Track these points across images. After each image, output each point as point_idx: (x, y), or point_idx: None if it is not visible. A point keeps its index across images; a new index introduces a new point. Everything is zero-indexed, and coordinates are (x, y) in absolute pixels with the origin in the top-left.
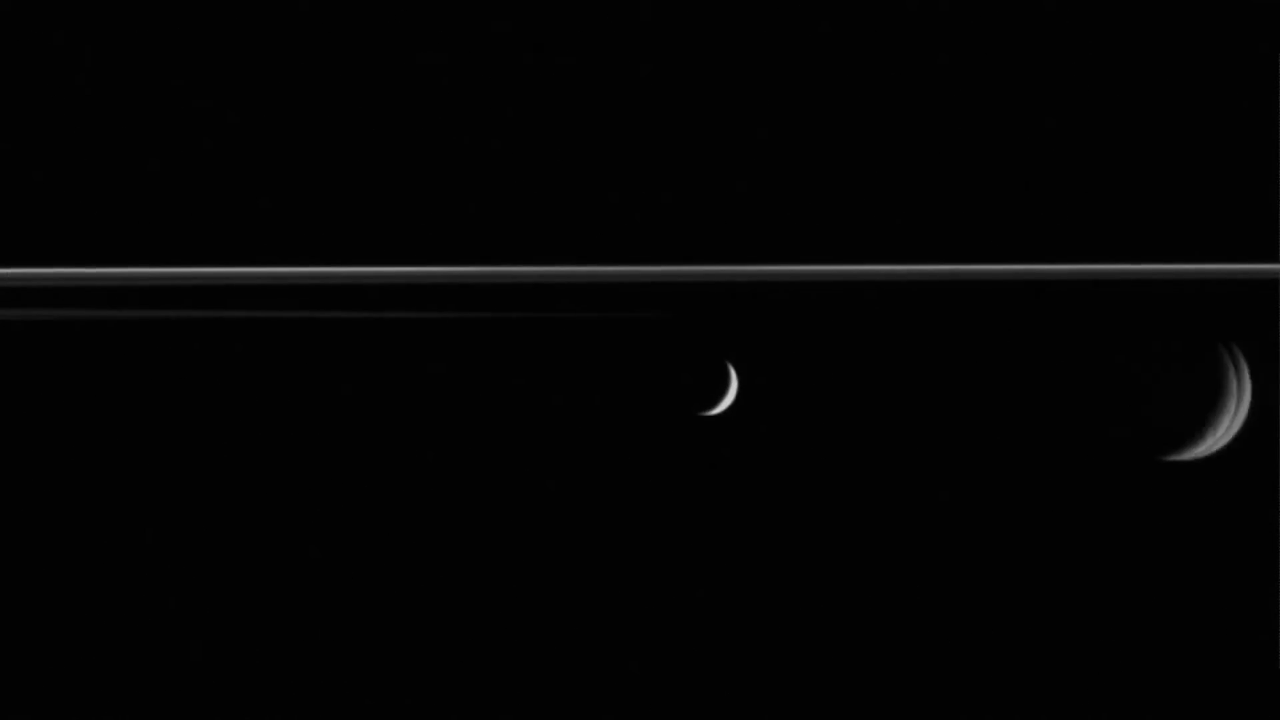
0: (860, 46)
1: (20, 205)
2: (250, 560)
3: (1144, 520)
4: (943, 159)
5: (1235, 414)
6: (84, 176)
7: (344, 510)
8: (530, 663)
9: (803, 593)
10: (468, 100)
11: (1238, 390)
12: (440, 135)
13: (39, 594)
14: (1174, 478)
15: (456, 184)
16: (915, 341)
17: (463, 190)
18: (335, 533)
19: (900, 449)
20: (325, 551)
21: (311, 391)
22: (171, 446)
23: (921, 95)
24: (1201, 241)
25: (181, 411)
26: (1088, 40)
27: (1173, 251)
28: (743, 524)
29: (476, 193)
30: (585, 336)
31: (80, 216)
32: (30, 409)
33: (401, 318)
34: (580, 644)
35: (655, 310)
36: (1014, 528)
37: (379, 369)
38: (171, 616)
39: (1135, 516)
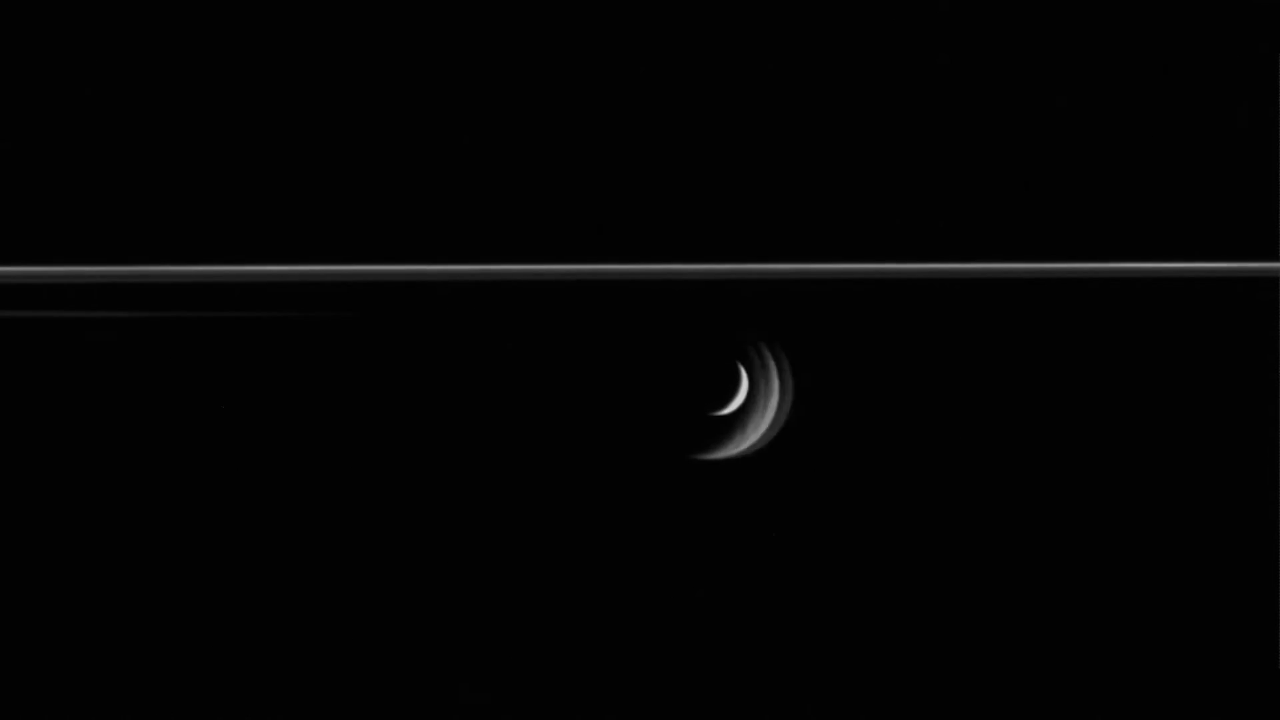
0: (857, 46)
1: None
2: (251, 559)
3: (1143, 520)
4: (942, 158)
5: (768, 413)
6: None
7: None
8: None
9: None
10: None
11: (771, 389)
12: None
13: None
14: (1176, 477)
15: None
16: (900, 340)
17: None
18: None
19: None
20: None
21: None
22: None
23: (920, 95)
24: (1201, 241)
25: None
26: (1087, 40)
27: (1172, 251)
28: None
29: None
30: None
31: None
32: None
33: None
34: (570, 649)
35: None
36: (1015, 527)
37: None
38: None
39: (1133, 515)
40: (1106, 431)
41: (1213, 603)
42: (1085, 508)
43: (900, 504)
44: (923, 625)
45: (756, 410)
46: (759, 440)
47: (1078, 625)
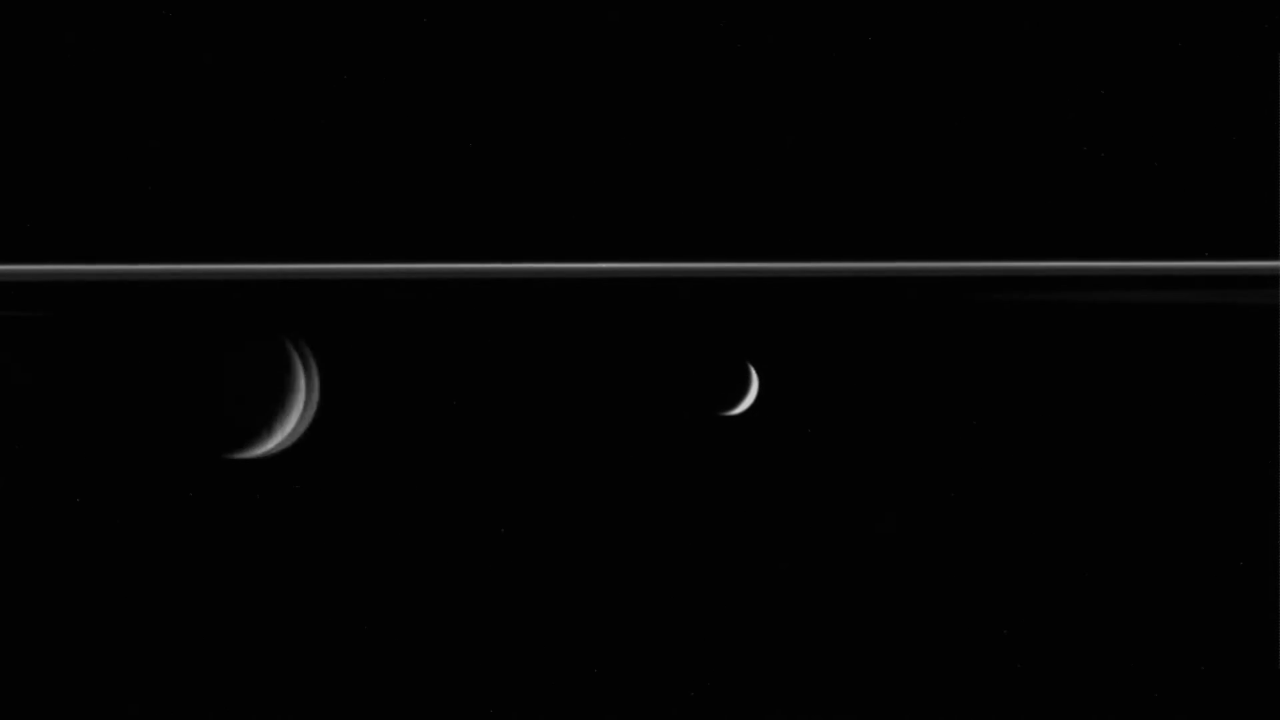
0: (857, 45)
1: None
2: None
3: (1143, 520)
4: (943, 158)
5: (302, 411)
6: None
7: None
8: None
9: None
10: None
11: (304, 387)
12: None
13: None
14: (1176, 477)
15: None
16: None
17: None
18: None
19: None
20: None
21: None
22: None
23: (921, 94)
24: (1201, 240)
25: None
26: (1088, 40)
27: (1172, 250)
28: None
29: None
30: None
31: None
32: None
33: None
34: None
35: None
36: (1015, 527)
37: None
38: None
39: (1132, 516)
40: (1105, 431)
41: (1213, 603)
42: (1084, 508)
43: (897, 504)
44: (936, 631)
45: (293, 409)
46: (286, 438)
47: (1078, 626)
